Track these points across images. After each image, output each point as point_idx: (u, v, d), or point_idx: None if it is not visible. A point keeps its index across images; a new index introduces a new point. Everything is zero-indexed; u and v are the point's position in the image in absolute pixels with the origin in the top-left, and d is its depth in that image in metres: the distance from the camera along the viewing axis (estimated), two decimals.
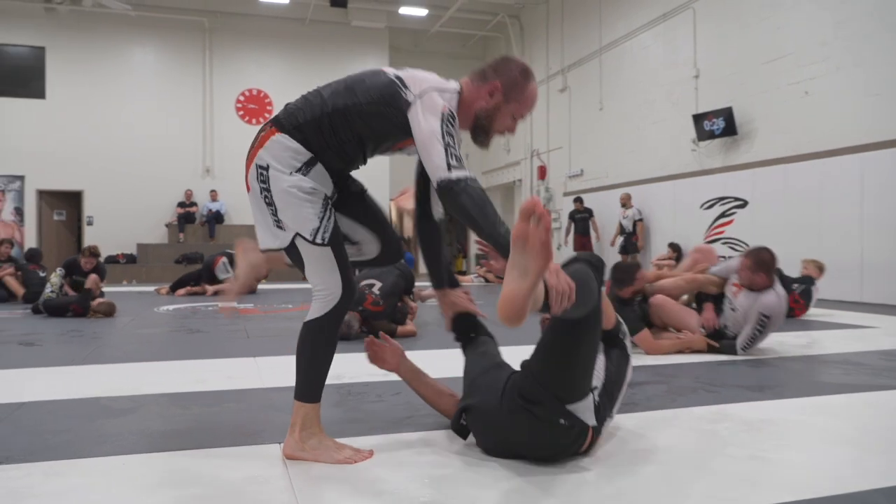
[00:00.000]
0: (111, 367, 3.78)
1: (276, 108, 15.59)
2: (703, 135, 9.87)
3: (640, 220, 11.36)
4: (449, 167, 1.85)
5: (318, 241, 1.98)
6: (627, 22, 12.06)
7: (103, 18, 14.63)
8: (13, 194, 14.58)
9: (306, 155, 2.01)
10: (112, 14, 14.45)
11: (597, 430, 1.98)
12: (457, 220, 1.90)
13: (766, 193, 8.97)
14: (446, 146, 1.87)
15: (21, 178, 14.57)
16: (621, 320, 2.26)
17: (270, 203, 2.01)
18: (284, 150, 2.00)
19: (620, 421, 2.38)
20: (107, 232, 14.55)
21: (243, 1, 15.16)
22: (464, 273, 16.19)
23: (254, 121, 15.67)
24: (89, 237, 14.68)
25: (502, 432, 1.97)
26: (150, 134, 14.97)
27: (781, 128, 8.84)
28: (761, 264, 3.90)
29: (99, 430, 2.39)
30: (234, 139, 15.39)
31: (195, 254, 13.63)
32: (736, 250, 9.13)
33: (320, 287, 2.01)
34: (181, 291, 9.17)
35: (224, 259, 9.03)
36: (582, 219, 12.65)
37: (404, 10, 15.51)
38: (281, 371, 3.30)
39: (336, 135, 2.01)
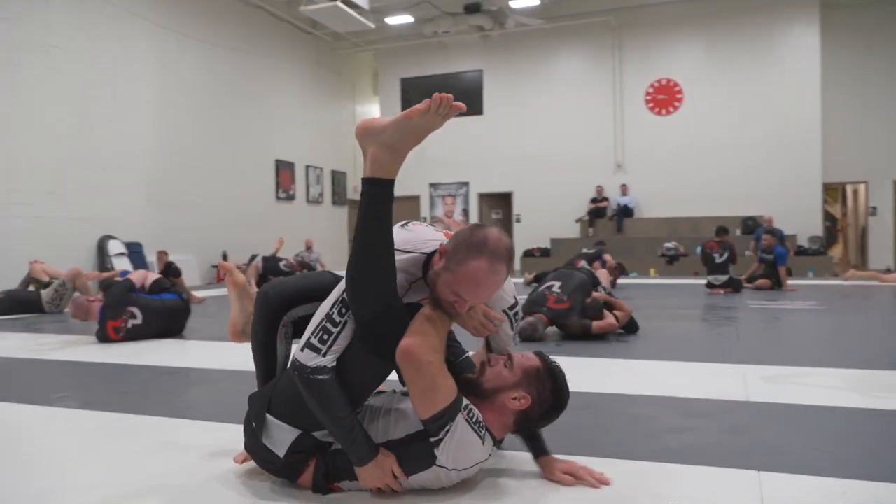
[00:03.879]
0: None
1: (687, 97, 15.26)
2: None
3: None
4: (303, 346, 1.76)
5: None
6: None
7: (524, 36, 16.27)
8: (461, 198, 17.38)
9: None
10: (531, 30, 15.97)
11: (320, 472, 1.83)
12: None
13: None
14: (321, 321, 1.77)
15: (466, 183, 17.27)
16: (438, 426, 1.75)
17: None
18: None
19: None
20: (530, 228, 16.25)
21: None
22: None
23: (663, 111, 15.49)
24: (518, 233, 16.59)
25: None
26: (566, 135, 16.11)
27: None
28: None
29: None
30: (644, 132, 15.55)
31: None
32: None
33: None
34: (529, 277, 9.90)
35: (583, 262, 9.35)
36: None
37: None
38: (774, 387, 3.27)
39: None
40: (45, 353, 4.66)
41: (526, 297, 5.30)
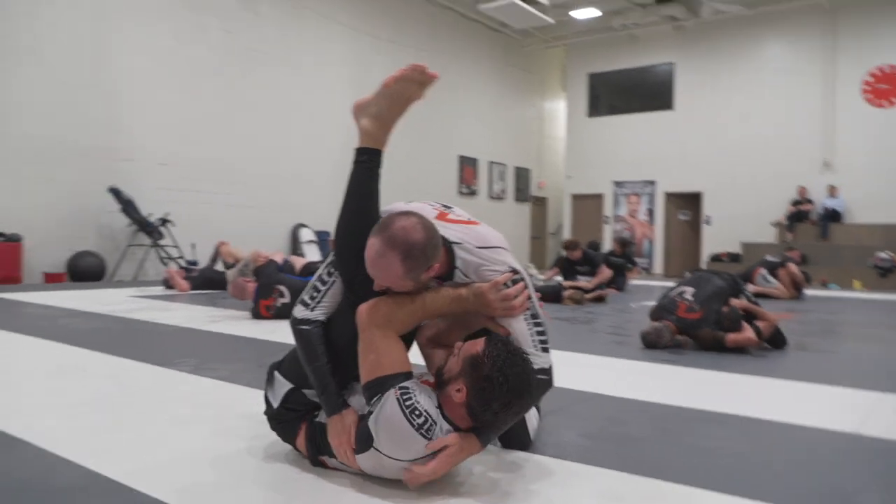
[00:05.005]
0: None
1: None
2: None
3: None
4: (298, 302, 1.95)
5: None
6: None
7: (723, 25, 15.18)
8: (646, 197, 16.65)
9: None
10: (730, 18, 14.85)
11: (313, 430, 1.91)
12: None
13: None
14: (314, 281, 1.95)
15: (653, 182, 16.50)
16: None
17: None
18: None
19: None
20: (721, 231, 15.17)
21: None
22: None
23: (885, 102, 13.64)
24: (707, 237, 15.56)
25: None
26: (766, 132, 14.78)
27: None
28: None
29: None
30: (860, 127, 13.83)
31: None
32: None
33: None
34: None
35: (763, 270, 8.50)
36: None
37: None
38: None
39: None
40: (202, 324, 5.25)
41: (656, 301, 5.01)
